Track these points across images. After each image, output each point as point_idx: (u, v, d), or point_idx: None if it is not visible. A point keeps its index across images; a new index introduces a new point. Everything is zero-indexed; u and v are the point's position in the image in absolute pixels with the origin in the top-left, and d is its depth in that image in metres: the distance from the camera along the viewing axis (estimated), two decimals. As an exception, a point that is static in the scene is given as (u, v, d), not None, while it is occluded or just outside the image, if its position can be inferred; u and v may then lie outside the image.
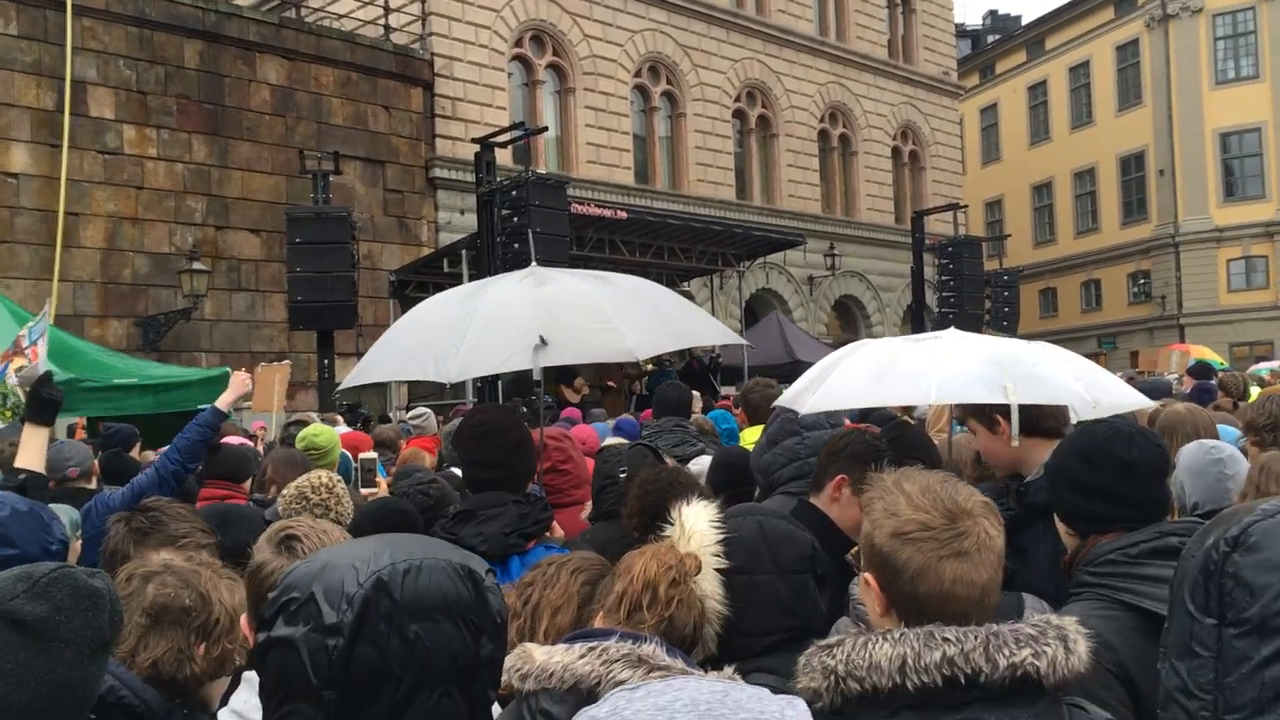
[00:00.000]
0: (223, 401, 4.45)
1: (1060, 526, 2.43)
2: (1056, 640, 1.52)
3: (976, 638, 1.50)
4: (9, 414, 4.07)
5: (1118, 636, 2.05)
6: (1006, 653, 1.48)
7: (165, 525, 2.64)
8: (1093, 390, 3.05)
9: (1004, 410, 3.04)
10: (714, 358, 18.23)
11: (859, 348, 3.62)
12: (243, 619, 2.09)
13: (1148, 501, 2.30)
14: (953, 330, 3.54)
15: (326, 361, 13.37)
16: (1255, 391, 8.31)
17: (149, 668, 2.00)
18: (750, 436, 5.62)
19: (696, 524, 2.13)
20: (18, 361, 4.05)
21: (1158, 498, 2.33)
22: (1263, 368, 13.27)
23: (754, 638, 2.09)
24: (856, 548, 1.78)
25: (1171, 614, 1.49)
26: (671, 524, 2.17)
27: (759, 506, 2.41)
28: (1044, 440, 3.03)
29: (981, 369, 3.04)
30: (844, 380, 3.31)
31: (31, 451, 3.78)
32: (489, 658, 1.27)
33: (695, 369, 17.60)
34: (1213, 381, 9.70)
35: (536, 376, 3.76)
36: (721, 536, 2.12)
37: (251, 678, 1.97)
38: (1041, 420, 3.08)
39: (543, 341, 3.60)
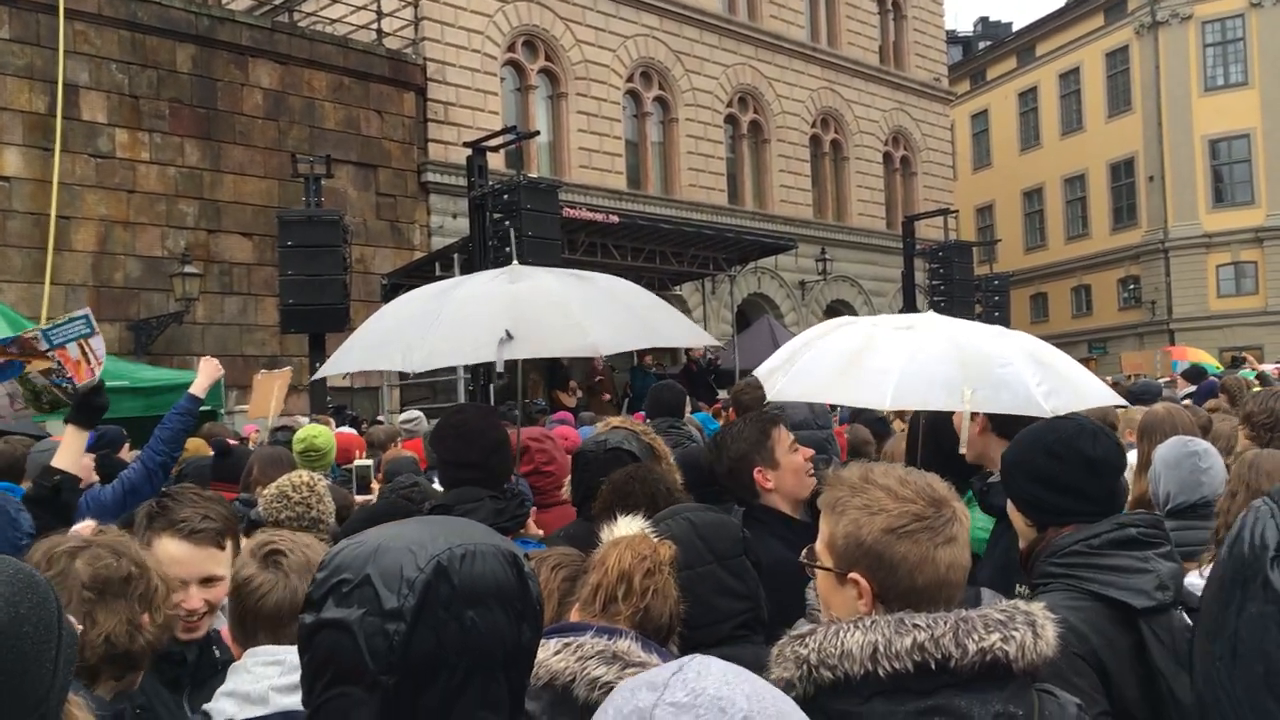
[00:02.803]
0: (198, 387, 4.38)
1: (1017, 517, 2.48)
2: (1025, 625, 1.54)
3: (946, 623, 1.51)
4: (47, 409, 4.09)
5: (1088, 625, 2.10)
6: (976, 638, 1.50)
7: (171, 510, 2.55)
8: (1052, 398, 3.08)
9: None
10: (711, 360, 18.22)
11: (840, 326, 3.63)
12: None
13: (1107, 496, 2.37)
14: (931, 315, 3.55)
15: (318, 365, 13.30)
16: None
17: (102, 644, 1.94)
18: (737, 438, 5.65)
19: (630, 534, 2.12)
20: (39, 364, 4.08)
21: (1115, 493, 2.41)
22: (1250, 370, 13.31)
23: (713, 627, 2.12)
24: (808, 548, 1.75)
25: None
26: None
27: (684, 506, 2.46)
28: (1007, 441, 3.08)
29: (946, 370, 3.06)
30: (812, 368, 3.32)
31: (70, 453, 3.77)
32: (527, 644, 1.27)
33: (694, 371, 17.60)
34: (1210, 381, 9.69)
35: (500, 369, 3.77)
36: (657, 541, 2.11)
37: (238, 667, 1.98)
38: (1011, 424, 3.10)
39: (508, 335, 3.60)
